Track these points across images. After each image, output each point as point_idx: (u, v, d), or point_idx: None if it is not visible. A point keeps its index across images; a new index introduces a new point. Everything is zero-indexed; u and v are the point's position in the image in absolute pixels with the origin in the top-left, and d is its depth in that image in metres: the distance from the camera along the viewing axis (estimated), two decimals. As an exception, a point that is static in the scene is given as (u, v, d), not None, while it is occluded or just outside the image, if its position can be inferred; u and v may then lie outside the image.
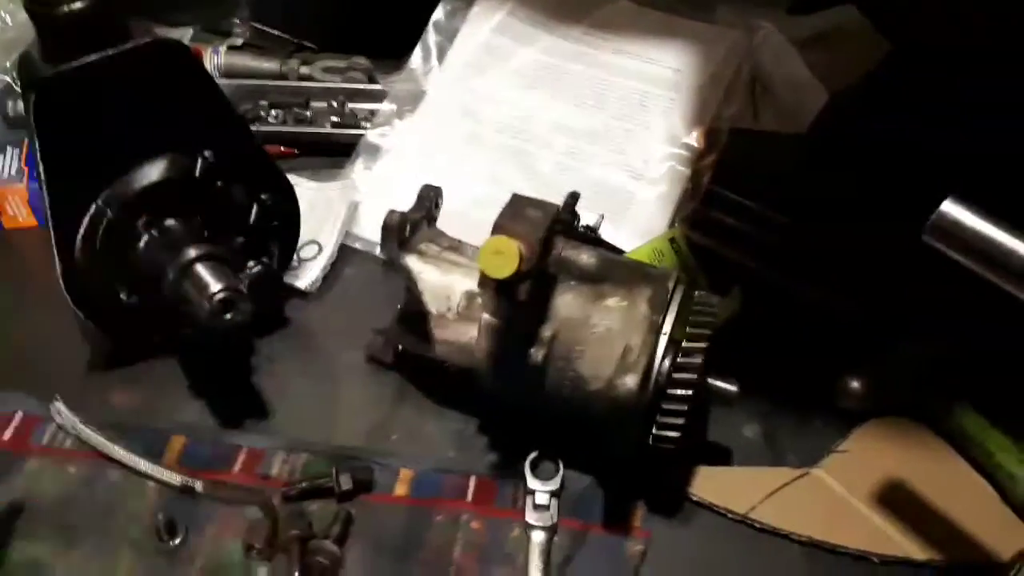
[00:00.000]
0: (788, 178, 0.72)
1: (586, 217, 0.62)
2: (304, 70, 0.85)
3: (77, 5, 0.48)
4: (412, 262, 0.56)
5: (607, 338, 0.51)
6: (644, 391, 0.48)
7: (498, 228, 0.47)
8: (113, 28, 0.50)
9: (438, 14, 0.81)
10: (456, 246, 0.58)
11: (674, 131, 0.75)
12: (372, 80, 0.83)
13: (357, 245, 0.71)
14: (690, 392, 0.49)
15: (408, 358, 0.62)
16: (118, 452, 0.55)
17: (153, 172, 0.53)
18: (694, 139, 0.74)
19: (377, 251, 0.71)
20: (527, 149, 0.76)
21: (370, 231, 0.72)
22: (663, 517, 0.56)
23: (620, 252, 0.69)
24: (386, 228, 0.56)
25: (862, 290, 0.65)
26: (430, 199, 0.61)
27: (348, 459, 0.56)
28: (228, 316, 0.51)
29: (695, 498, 0.57)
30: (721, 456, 0.59)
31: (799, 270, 0.68)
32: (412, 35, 0.83)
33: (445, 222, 0.71)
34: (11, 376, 0.60)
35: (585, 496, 0.56)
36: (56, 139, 0.50)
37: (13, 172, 0.68)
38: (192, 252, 0.52)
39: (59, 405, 0.57)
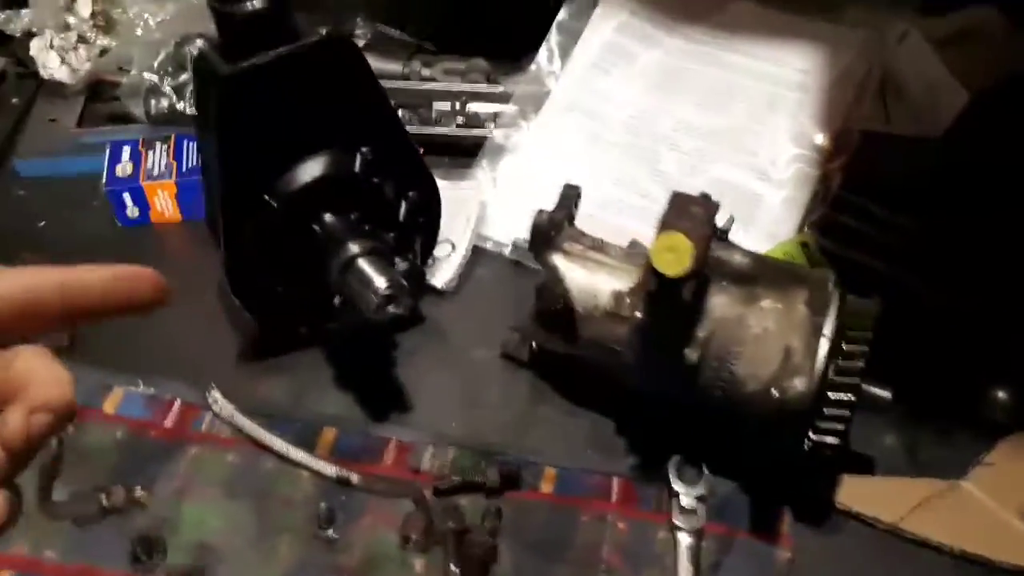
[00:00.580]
0: (922, 181, 0.71)
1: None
2: (426, 72, 0.86)
3: (257, 4, 0.49)
4: (559, 261, 0.57)
5: (764, 340, 0.51)
6: (811, 394, 0.48)
7: (667, 225, 0.47)
8: (288, 27, 0.51)
9: (562, 15, 0.82)
10: (599, 245, 0.59)
11: (803, 132, 0.74)
12: (492, 81, 0.84)
13: (488, 245, 0.72)
14: (853, 397, 0.48)
15: (544, 357, 0.62)
16: (277, 442, 0.56)
17: (316, 168, 0.55)
18: (823, 141, 0.73)
19: (506, 251, 0.72)
20: (652, 149, 0.76)
21: (498, 231, 0.73)
22: (809, 525, 0.55)
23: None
24: (535, 228, 0.57)
25: (997, 294, 0.64)
26: (571, 199, 0.61)
27: (493, 455, 0.57)
28: (391, 309, 0.52)
29: (841, 507, 0.56)
30: (864, 465, 0.58)
31: (932, 274, 0.67)
32: (530, 37, 0.84)
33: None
34: (165, 365, 0.62)
35: (730, 501, 0.55)
36: (235, 133, 0.52)
37: (163, 167, 0.71)
38: (355, 247, 0.54)
39: (216, 394, 0.59)
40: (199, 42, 0.77)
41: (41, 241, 0.70)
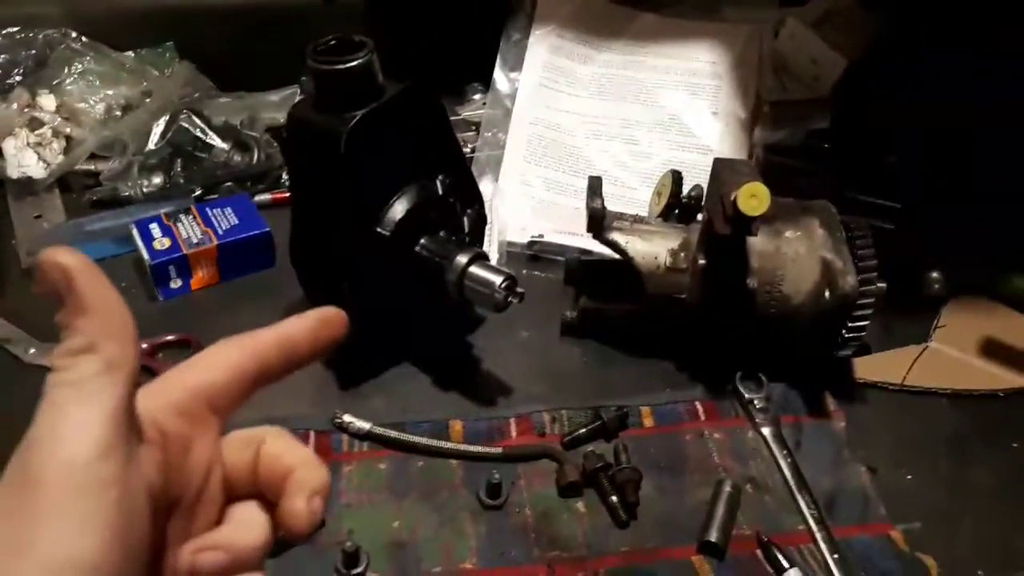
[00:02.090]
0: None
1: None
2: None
3: (356, 62, 0.57)
4: (618, 237, 0.68)
5: (798, 261, 0.66)
6: (859, 287, 0.63)
7: (739, 177, 0.60)
8: (376, 78, 0.59)
9: (503, 46, 0.93)
10: (639, 218, 0.71)
11: (725, 111, 0.91)
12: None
13: (508, 248, 0.82)
14: (882, 286, 0.64)
15: (600, 323, 0.73)
16: (422, 441, 0.63)
17: (413, 197, 0.62)
18: (742, 114, 0.91)
19: (520, 250, 0.82)
20: (609, 148, 0.90)
21: (511, 233, 0.83)
22: (844, 399, 0.70)
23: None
24: (593, 215, 0.68)
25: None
26: (598, 187, 0.73)
27: (595, 408, 0.67)
28: (512, 300, 0.61)
29: (861, 380, 0.72)
30: (863, 348, 0.75)
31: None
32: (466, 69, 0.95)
33: (563, 216, 0.84)
34: (279, 403, 0.66)
35: (787, 396, 0.69)
36: (354, 176, 0.58)
37: (199, 235, 0.73)
38: (463, 258, 0.62)
39: (347, 417, 0.64)
40: (189, 116, 0.81)
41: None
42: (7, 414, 0.62)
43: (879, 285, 0.64)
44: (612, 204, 0.84)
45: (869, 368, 0.73)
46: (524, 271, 0.81)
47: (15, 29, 0.85)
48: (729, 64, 0.93)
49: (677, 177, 0.82)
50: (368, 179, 0.60)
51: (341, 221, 0.59)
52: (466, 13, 0.94)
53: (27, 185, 0.81)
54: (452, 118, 0.92)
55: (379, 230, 0.61)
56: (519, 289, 0.62)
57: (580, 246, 0.80)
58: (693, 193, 0.83)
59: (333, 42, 0.58)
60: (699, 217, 0.83)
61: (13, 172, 0.80)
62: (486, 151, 0.88)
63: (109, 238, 0.76)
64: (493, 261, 0.78)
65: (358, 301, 0.64)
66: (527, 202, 0.86)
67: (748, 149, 0.89)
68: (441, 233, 0.65)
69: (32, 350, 0.68)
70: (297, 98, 0.89)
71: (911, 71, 0.85)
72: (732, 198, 0.59)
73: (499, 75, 0.93)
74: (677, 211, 0.82)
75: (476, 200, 0.70)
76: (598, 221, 0.68)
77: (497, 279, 0.61)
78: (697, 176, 0.86)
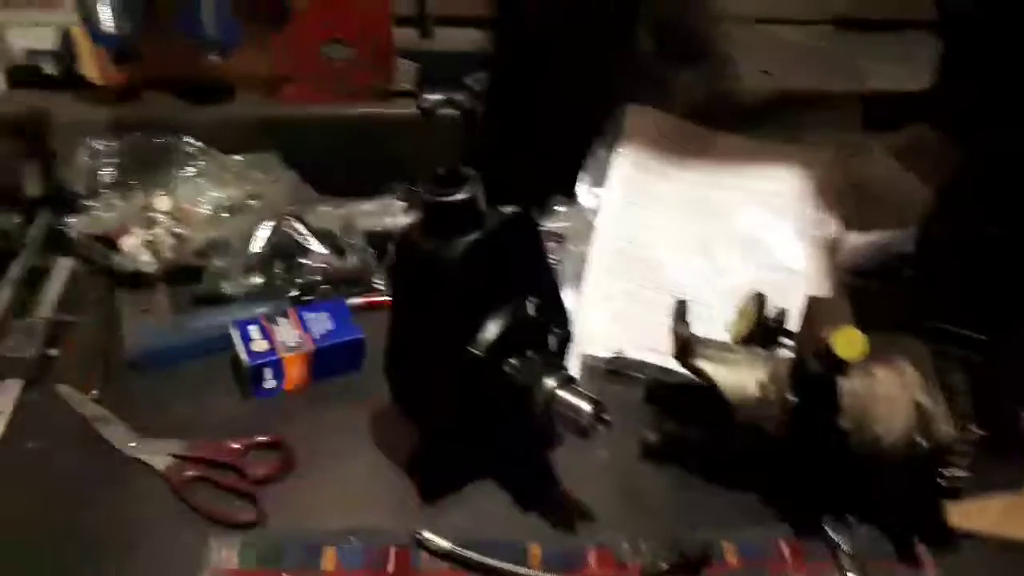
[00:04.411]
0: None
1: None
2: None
3: (463, 195, 0.60)
4: (705, 365, 0.69)
5: (891, 401, 0.65)
6: (956, 434, 0.61)
7: (831, 325, 0.60)
8: (480, 208, 0.62)
9: (589, 163, 0.96)
10: (725, 346, 0.71)
11: (807, 232, 0.91)
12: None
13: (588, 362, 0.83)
14: (977, 431, 0.63)
15: (682, 448, 0.73)
16: (504, 567, 0.63)
17: (505, 318, 0.64)
18: (825, 235, 0.91)
19: (599, 365, 0.83)
20: (691, 264, 0.91)
21: (590, 347, 0.83)
22: (936, 546, 0.68)
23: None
24: (682, 342, 0.69)
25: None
26: (685, 311, 0.74)
27: (675, 540, 0.66)
28: (599, 427, 0.61)
29: (954, 528, 0.69)
30: (954, 492, 0.72)
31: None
32: (545, 181, 0.98)
33: (645, 330, 0.85)
34: (359, 512, 0.67)
35: (876, 541, 0.67)
36: (456, 301, 0.60)
37: (296, 339, 0.76)
38: (551, 381, 0.63)
39: (427, 534, 0.65)
40: (291, 221, 0.85)
41: (185, 425, 0.73)
42: (103, 506, 0.66)
43: (977, 432, 0.62)
44: (693, 322, 0.85)
45: (962, 514, 0.70)
46: (603, 386, 0.82)
47: (135, 134, 0.91)
48: (812, 187, 0.95)
49: (760, 299, 0.82)
50: (467, 302, 0.62)
51: (438, 339, 0.61)
52: (554, 131, 0.97)
53: (138, 279, 0.85)
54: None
55: (472, 350, 0.63)
56: (607, 416, 0.62)
57: (661, 364, 0.81)
58: (776, 316, 0.83)
59: (442, 173, 0.61)
60: (781, 340, 0.84)
61: (128, 266, 0.84)
62: (569, 264, 0.90)
63: (209, 335, 0.79)
64: (574, 374, 0.80)
65: (446, 415, 0.65)
66: (608, 315, 0.87)
67: (831, 273, 0.89)
68: (529, 353, 0.66)
69: (132, 443, 0.70)
70: (393, 206, 0.92)
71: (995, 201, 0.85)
72: (827, 341, 0.59)
73: (584, 190, 0.95)
74: (760, 334, 0.83)
75: (564, 320, 0.71)
76: (685, 347, 0.69)
77: (586, 406, 0.62)
78: (778, 297, 0.86)
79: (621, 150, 0.97)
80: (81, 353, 0.78)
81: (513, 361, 0.65)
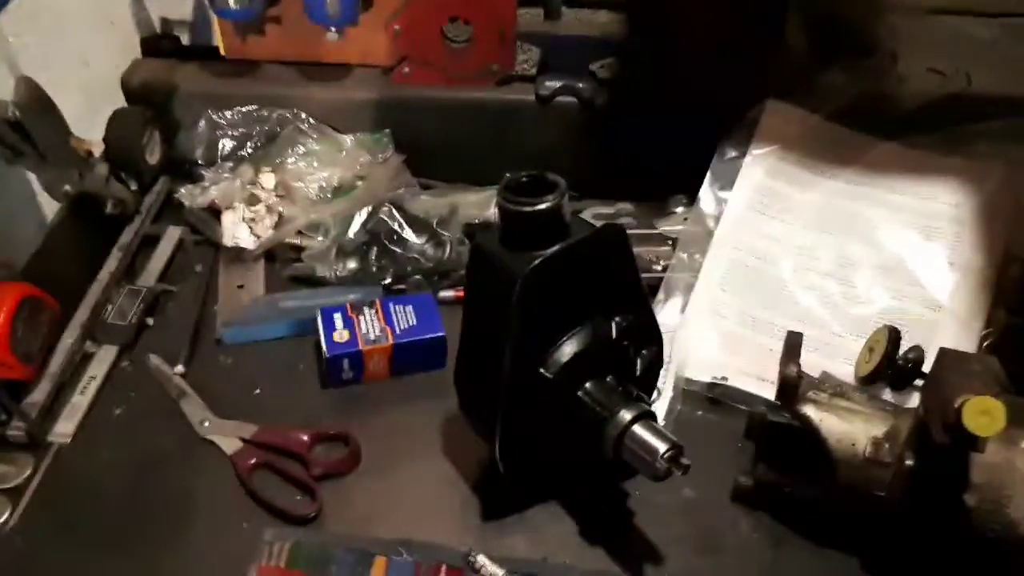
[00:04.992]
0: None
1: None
2: (579, 217, 0.91)
3: (546, 204, 0.54)
4: (811, 412, 0.60)
5: (1036, 482, 0.54)
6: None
7: (964, 389, 0.50)
8: (563, 220, 0.56)
9: (715, 161, 0.88)
10: (841, 391, 0.62)
11: (965, 261, 0.79)
12: (647, 225, 0.89)
13: (683, 384, 0.75)
14: None
15: (781, 497, 0.65)
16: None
17: (583, 339, 0.58)
18: (985, 268, 0.78)
19: (699, 390, 0.75)
20: (819, 286, 0.81)
21: (692, 370, 0.76)
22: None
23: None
24: (785, 383, 0.61)
25: None
26: (798, 345, 0.65)
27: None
28: (674, 470, 0.55)
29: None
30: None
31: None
32: (666, 180, 0.91)
33: (754, 356, 0.77)
34: (419, 523, 0.64)
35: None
36: (527, 316, 0.55)
37: (377, 332, 0.74)
38: (627, 414, 0.57)
39: (482, 558, 0.61)
40: (390, 209, 0.83)
41: (260, 408, 0.73)
42: (170, 480, 0.67)
43: None
44: (810, 353, 0.75)
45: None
46: (700, 413, 0.74)
47: (253, 107, 0.92)
48: (975, 208, 0.82)
49: (894, 335, 0.72)
50: (539, 320, 0.57)
51: (506, 357, 0.57)
52: (680, 123, 0.89)
53: (237, 254, 0.86)
54: (648, 231, 0.89)
55: (543, 371, 0.58)
56: (685, 460, 0.56)
57: (768, 397, 0.72)
58: (911, 356, 0.72)
59: (525, 179, 0.56)
60: (917, 384, 0.73)
61: (228, 241, 0.85)
62: (679, 273, 0.83)
63: (298, 317, 0.79)
64: (667, 398, 0.73)
65: (512, 435, 0.61)
66: (715, 335, 0.79)
67: (987, 311, 0.77)
68: (609, 379, 0.60)
69: (206, 423, 0.71)
70: (492, 198, 0.88)
71: None
72: (957, 407, 0.49)
73: (706, 192, 0.87)
74: (890, 373, 0.73)
75: (653, 341, 0.65)
76: (791, 389, 0.61)
77: (661, 446, 0.55)
78: (918, 334, 0.76)
79: (754, 151, 0.87)
80: (176, 324, 0.80)
81: (589, 386, 0.60)
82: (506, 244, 0.56)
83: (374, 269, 0.83)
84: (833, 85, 0.88)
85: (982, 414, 0.48)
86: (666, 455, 0.55)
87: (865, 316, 0.79)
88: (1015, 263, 0.78)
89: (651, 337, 0.64)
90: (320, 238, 0.84)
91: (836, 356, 0.77)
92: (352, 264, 0.83)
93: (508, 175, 0.57)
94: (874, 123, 0.87)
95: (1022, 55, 0.85)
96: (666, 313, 0.80)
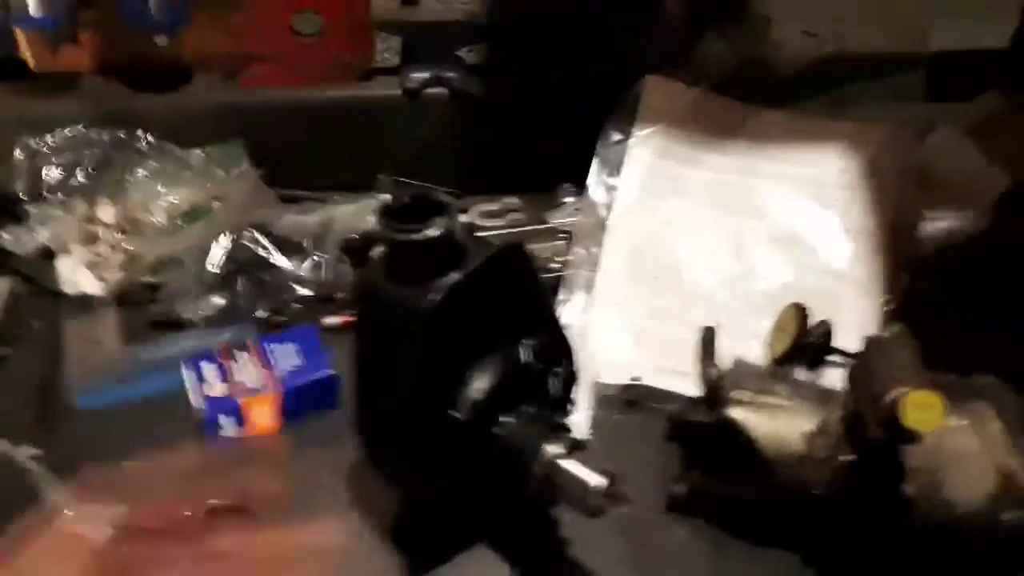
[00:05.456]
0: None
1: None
2: (465, 219, 0.85)
3: (435, 231, 0.48)
4: (738, 413, 0.57)
5: (966, 460, 0.53)
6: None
7: (897, 381, 0.48)
8: (458, 244, 0.50)
9: (600, 146, 0.83)
10: (765, 385, 0.59)
11: (860, 227, 0.78)
12: (538, 220, 0.84)
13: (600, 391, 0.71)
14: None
15: (715, 503, 0.62)
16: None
17: (493, 371, 0.53)
18: (879, 232, 0.78)
19: (615, 394, 0.71)
20: (717, 266, 0.78)
21: (605, 373, 0.72)
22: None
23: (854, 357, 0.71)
24: (710, 387, 0.57)
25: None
26: (712, 341, 0.62)
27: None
28: (608, 505, 0.50)
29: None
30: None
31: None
32: (552, 168, 0.86)
33: (667, 349, 0.73)
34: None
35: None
36: (430, 356, 0.49)
37: (256, 379, 0.66)
38: (553, 448, 0.52)
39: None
40: (253, 233, 0.73)
41: (134, 485, 0.63)
42: None
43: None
44: (725, 342, 0.72)
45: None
46: (619, 417, 0.70)
47: (78, 128, 0.80)
48: (863, 172, 0.81)
49: (801, 312, 0.70)
50: (444, 357, 0.50)
51: (411, 401, 0.50)
52: (560, 107, 0.84)
53: (82, 303, 0.74)
54: (540, 227, 0.84)
55: (454, 413, 0.51)
56: (621, 491, 0.51)
57: (687, 392, 0.69)
58: (820, 331, 0.71)
59: (408, 201, 0.49)
60: (829, 359, 0.71)
61: (69, 289, 0.74)
62: (579, 268, 0.78)
63: (165, 369, 0.69)
64: (583, 408, 0.69)
65: (427, 484, 0.55)
66: (624, 332, 0.75)
67: (886, 275, 0.76)
68: (524, 408, 0.55)
69: (69, 512, 0.60)
70: (373, 205, 0.80)
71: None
72: (891, 404, 0.47)
73: (594, 180, 0.82)
74: (802, 353, 0.71)
75: (566, 356, 0.60)
76: (714, 393, 0.57)
77: (595, 480, 0.51)
78: (822, 306, 0.74)
79: (639, 132, 0.83)
80: (16, 394, 0.68)
81: (506, 420, 0.54)
82: (395, 278, 0.50)
83: (243, 303, 0.74)
84: (712, 55, 0.85)
85: (920, 408, 0.46)
86: (600, 489, 0.50)
87: (768, 292, 0.77)
88: (907, 225, 0.78)
89: (563, 351, 0.59)
90: (178, 275, 0.74)
91: (741, 338, 0.74)
92: (218, 300, 0.74)
93: (388, 199, 0.50)
94: (757, 91, 0.85)
95: (890, 10, 0.84)
96: (570, 313, 0.76)
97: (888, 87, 0.82)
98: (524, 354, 0.54)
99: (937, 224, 0.78)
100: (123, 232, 0.75)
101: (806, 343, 0.70)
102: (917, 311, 0.74)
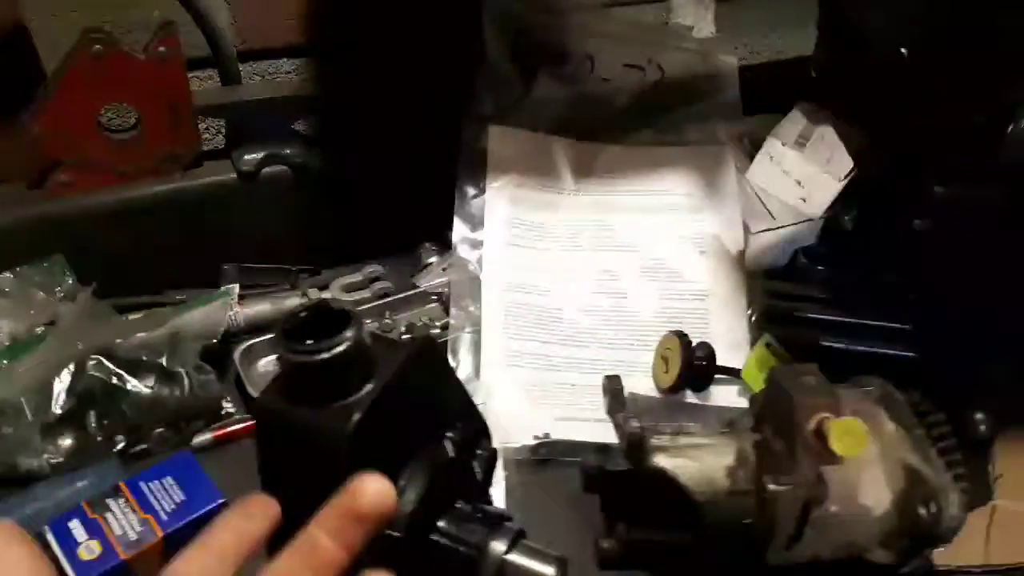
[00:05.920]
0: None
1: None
2: (326, 295, 0.81)
3: (342, 347, 0.44)
4: (663, 461, 0.57)
5: (873, 464, 0.56)
6: (968, 502, 0.54)
7: (813, 409, 0.50)
8: (367, 356, 0.46)
9: (458, 204, 0.82)
10: (678, 429, 0.60)
11: (712, 245, 0.82)
12: (404, 286, 0.81)
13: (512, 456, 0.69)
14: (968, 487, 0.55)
15: (644, 554, 0.62)
16: None
17: (421, 476, 0.49)
18: (732, 247, 0.82)
19: (525, 457, 0.70)
20: (592, 305, 0.79)
21: (511, 436, 0.70)
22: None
23: (736, 373, 0.74)
24: (632, 441, 0.57)
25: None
26: (619, 390, 0.62)
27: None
28: (567, 592, 0.49)
29: (942, 568, 0.63)
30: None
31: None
32: (412, 228, 0.84)
33: (564, 398, 0.73)
34: None
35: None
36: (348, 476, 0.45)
37: (138, 528, 0.58)
38: (499, 545, 0.49)
39: None
40: (98, 361, 0.65)
41: None
42: None
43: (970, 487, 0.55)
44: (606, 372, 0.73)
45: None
46: (533, 477, 0.69)
47: None
48: (704, 192, 0.85)
49: (684, 340, 0.73)
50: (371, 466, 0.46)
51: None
52: (407, 165, 0.82)
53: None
54: (410, 292, 0.80)
55: (388, 532, 0.47)
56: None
57: (595, 439, 0.69)
58: (702, 354, 0.73)
59: (304, 314, 0.45)
60: (716, 378, 0.74)
61: None
62: (460, 332, 0.76)
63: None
64: (500, 479, 0.67)
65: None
66: (518, 390, 0.74)
67: (746, 285, 0.80)
68: (459, 504, 0.52)
69: None
70: (225, 303, 0.74)
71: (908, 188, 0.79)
72: (816, 431, 0.49)
73: (459, 237, 0.81)
74: (690, 378, 0.73)
75: (483, 436, 0.57)
76: (637, 445, 0.57)
77: (547, 570, 0.49)
78: (694, 326, 0.77)
79: (492, 183, 0.83)
80: None
81: (443, 526, 0.51)
82: (300, 401, 0.45)
83: (99, 439, 0.66)
84: (543, 98, 0.86)
85: (847, 434, 0.48)
86: (556, 576, 0.48)
87: (644, 322, 0.78)
88: (748, 232, 0.82)
89: (479, 434, 0.57)
90: (14, 421, 0.64)
91: (633, 372, 0.75)
92: (67, 442, 0.65)
93: (282, 320, 0.45)
94: (593, 129, 0.87)
95: (699, 32, 0.89)
96: (462, 377, 0.73)
97: (709, 107, 0.86)
98: (450, 449, 0.51)
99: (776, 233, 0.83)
100: (-66, 385, 0.64)
101: (692, 367, 0.72)
102: (778, 315, 0.79)
